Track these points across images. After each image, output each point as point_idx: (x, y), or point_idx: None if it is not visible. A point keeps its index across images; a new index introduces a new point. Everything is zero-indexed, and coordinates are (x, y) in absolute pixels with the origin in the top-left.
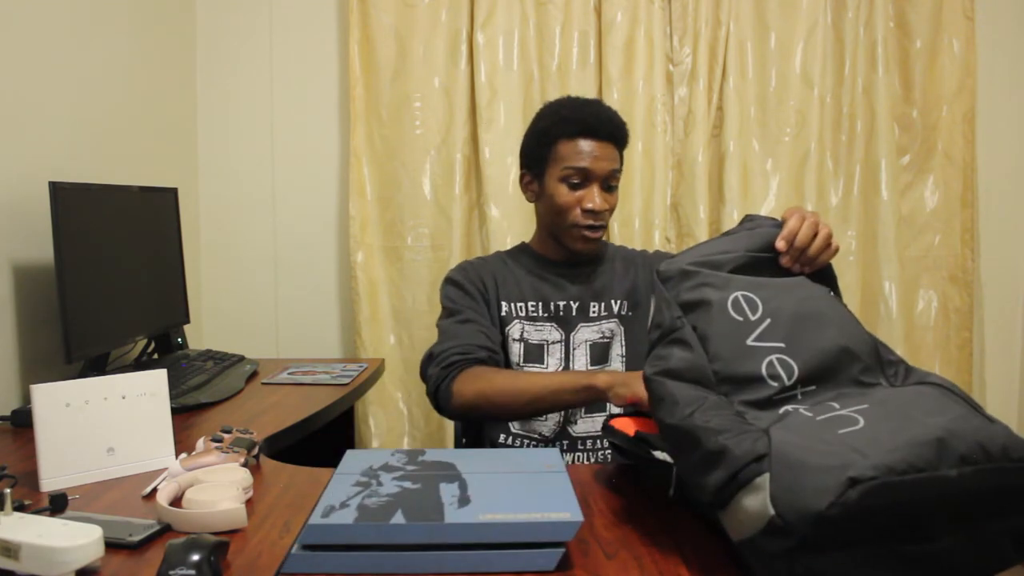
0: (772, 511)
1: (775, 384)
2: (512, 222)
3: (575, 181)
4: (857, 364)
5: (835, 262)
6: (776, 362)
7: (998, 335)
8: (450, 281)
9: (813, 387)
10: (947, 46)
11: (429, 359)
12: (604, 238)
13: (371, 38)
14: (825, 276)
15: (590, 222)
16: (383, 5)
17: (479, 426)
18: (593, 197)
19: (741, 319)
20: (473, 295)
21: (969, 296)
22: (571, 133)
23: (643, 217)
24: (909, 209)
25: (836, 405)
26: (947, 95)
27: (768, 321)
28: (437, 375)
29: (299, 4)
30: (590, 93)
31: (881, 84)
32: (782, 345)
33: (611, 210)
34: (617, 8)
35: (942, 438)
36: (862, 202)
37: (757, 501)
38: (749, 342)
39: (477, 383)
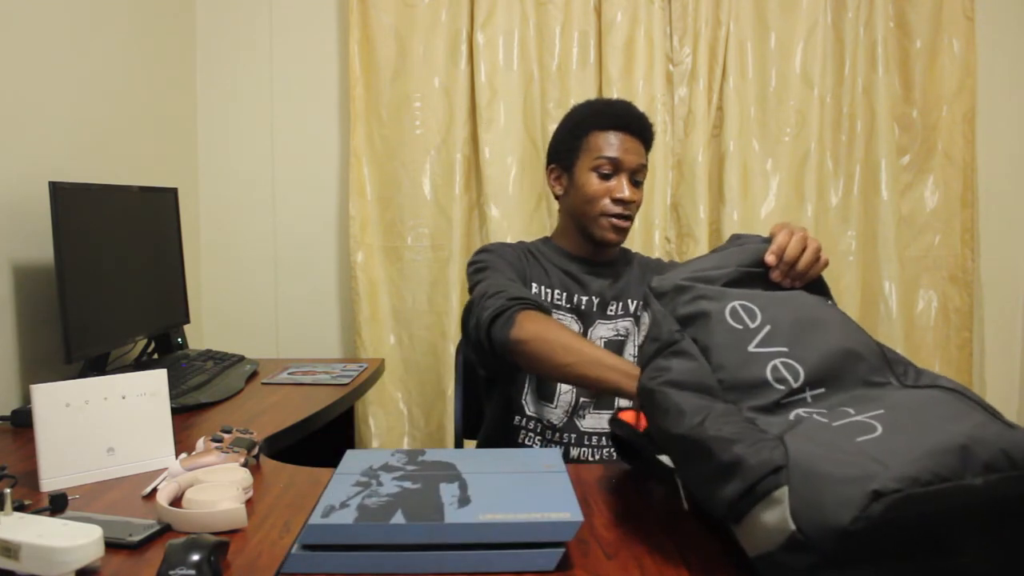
0: (793, 526)
1: (782, 387)
2: (512, 222)
3: (605, 171)
4: (863, 364)
5: (835, 262)
6: (781, 366)
7: (998, 335)
8: (485, 251)
9: (822, 389)
10: (947, 46)
11: (483, 296)
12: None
13: (371, 38)
14: (818, 288)
15: (619, 211)
16: (383, 5)
17: (499, 409)
18: (622, 187)
19: (740, 327)
20: (513, 264)
21: (969, 296)
22: (604, 125)
23: (643, 217)
24: (909, 209)
25: (851, 411)
26: (947, 95)
27: (768, 328)
28: (502, 304)
29: (299, 4)
30: (590, 93)
31: (881, 84)
32: (785, 349)
33: (638, 206)
34: (617, 8)
35: (966, 445)
36: (862, 202)
37: (776, 515)
38: (751, 348)
39: (541, 322)
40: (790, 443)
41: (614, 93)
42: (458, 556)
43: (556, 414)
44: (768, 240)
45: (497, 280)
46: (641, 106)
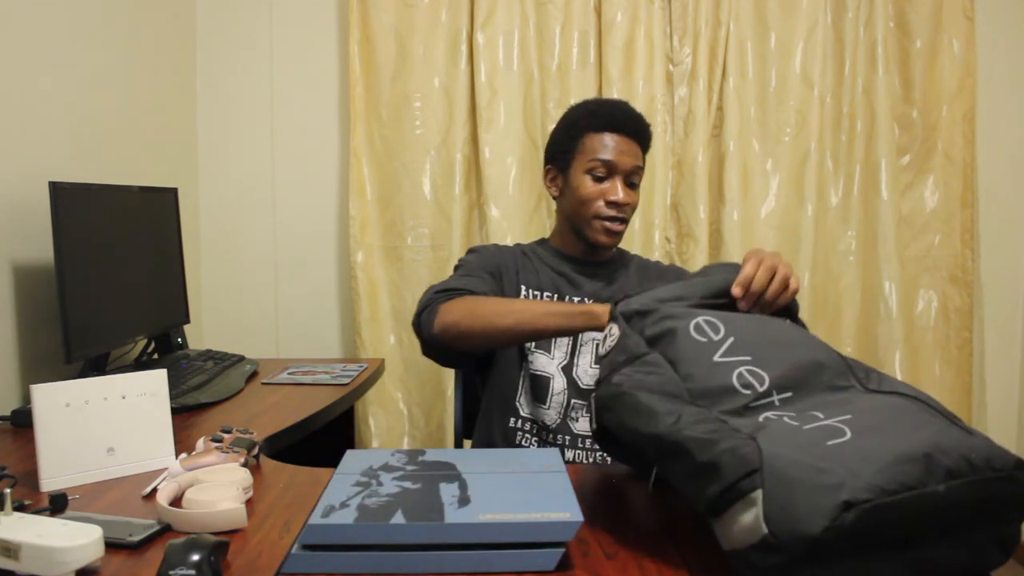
0: (766, 529)
1: (748, 392)
2: (512, 222)
3: (600, 174)
4: (827, 371)
5: (835, 262)
6: (746, 372)
7: (998, 335)
8: (470, 251)
9: (789, 393)
10: (947, 46)
11: (426, 293)
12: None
13: (371, 38)
14: (785, 312)
15: (612, 213)
16: (383, 5)
17: (495, 410)
18: (616, 190)
19: (704, 340)
20: (493, 265)
21: (969, 296)
22: (599, 126)
23: (643, 217)
24: (909, 209)
25: (820, 415)
26: (947, 95)
27: (732, 339)
28: (430, 298)
29: (299, 4)
30: (590, 93)
31: (881, 84)
32: (748, 358)
33: (633, 208)
34: (617, 8)
35: (929, 453)
36: (862, 202)
37: (750, 516)
38: (716, 359)
39: (467, 303)
40: (764, 445)
41: (614, 93)
42: (458, 556)
43: (550, 415)
44: (739, 269)
45: (454, 281)
46: (641, 106)
